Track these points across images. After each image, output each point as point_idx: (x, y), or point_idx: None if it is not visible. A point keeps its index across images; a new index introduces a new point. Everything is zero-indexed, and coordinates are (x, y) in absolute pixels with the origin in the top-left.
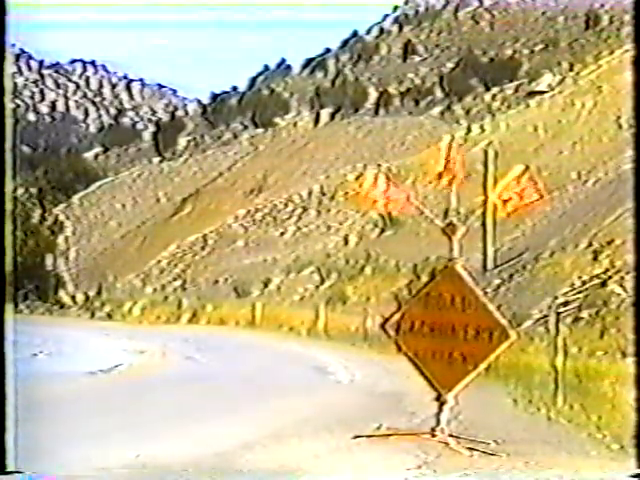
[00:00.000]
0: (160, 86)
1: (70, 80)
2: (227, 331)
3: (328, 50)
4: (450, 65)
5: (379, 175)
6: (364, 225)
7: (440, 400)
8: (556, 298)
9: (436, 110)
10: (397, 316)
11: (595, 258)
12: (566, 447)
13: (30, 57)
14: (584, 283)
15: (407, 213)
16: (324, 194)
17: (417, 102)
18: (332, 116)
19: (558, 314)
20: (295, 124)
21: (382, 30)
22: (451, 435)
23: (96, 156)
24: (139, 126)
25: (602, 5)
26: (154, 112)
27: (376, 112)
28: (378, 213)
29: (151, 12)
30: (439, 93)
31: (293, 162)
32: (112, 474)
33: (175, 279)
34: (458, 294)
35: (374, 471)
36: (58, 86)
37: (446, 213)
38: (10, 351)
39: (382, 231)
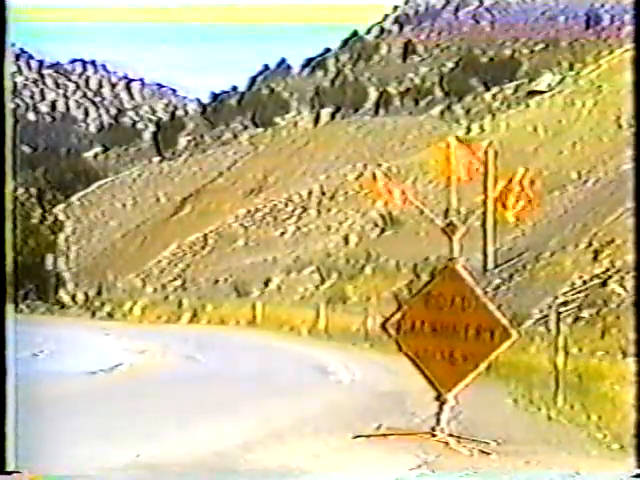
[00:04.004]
0: (160, 86)
1: (70, 80)
2: (227, 331)
3: (328, 50)
4: (450, 65)
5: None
6: (364, 225)
7: (440, 400)
8: (556, 298)
9: (436, 110)
10: (398, 316)
11: (595, 258)
12: (566, 447)
13: (30, 57)
14: (584, 283)
15: (407, 212)
16: (324, 194)
17: (417, 102)
18: (332, 116)
19: (559, 314)
20: (295, 124)
21: (382, 30)
22: (451, 435)
23: (96, 156)
24: (139, 126)
25: (602, 5)
26: (154, 112)
27: (376, 112)
28: (379, 213)
29: (151, 11)
30: (439, 93)
31: (293, 162)
32: (112, 474)
33: (175, 279)
34: (458, 294)
35: (374, 471)
36: (58, 86)
37: (446, 213)
38: (10, 351)
39: (382, 231)
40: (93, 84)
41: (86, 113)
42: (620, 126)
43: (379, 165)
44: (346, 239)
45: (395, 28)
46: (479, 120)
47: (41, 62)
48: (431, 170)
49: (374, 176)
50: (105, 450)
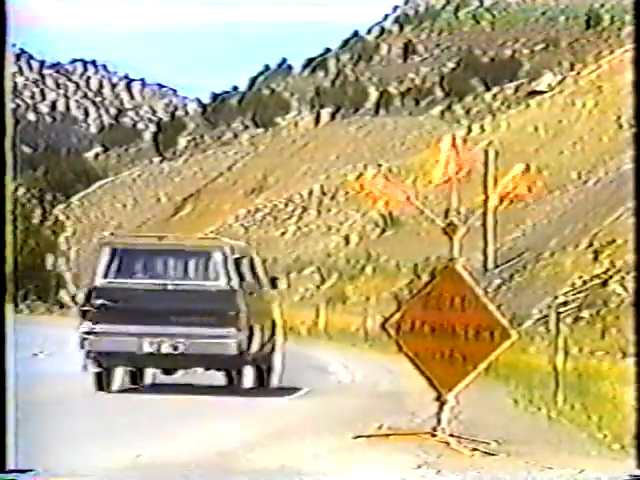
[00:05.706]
0: (160, 86)
1: (70, 80)
2: None
3: (328, 50)
4: (450, 65)
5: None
6: (365, 225)
7: (441, 400)
8: (556, 298)
9: (436, 110)
10: (397, 316)
11: (596, 258)
12: (566, 447)
13: (30, 57)
14: (585, 283)
15: (407, 212)
16: (324, 194)
17: (417, 102)
18: (332, 116)
19: (559, 314)
20: (295, 124)
21: (382, 30)
22: (452, 435)
23: (96, 156)
24: (139, 126)
25: (602, 5)
26: (154, 112)
27: (376, 112)
28: (379, 213)
29: (151, 11)
30: (439, 93)
31: (293, 162)
32: (112, 474)
33: None
34: (458, 294)
35: (374, 471)
36: (58, 86)
37: (446, 213)
38: (10, 351)
39: (383, 231)
40: (93, 84)
41: (86, 113)
42: (620, 126)
43: (379, 165)
44: (346, 239)
45: (395, 28)
46: (479, 120)
47: (42, 62)
48: (431, 170)
49: (374, 177)
50: (105, 450)
